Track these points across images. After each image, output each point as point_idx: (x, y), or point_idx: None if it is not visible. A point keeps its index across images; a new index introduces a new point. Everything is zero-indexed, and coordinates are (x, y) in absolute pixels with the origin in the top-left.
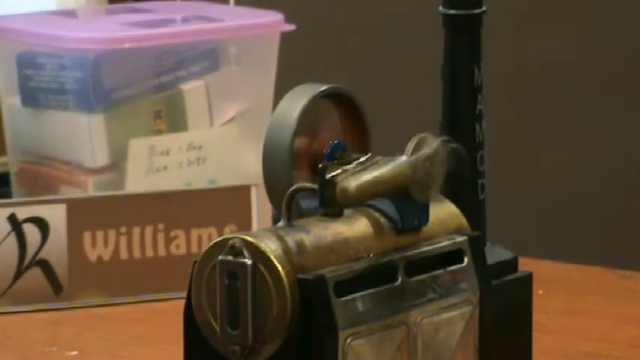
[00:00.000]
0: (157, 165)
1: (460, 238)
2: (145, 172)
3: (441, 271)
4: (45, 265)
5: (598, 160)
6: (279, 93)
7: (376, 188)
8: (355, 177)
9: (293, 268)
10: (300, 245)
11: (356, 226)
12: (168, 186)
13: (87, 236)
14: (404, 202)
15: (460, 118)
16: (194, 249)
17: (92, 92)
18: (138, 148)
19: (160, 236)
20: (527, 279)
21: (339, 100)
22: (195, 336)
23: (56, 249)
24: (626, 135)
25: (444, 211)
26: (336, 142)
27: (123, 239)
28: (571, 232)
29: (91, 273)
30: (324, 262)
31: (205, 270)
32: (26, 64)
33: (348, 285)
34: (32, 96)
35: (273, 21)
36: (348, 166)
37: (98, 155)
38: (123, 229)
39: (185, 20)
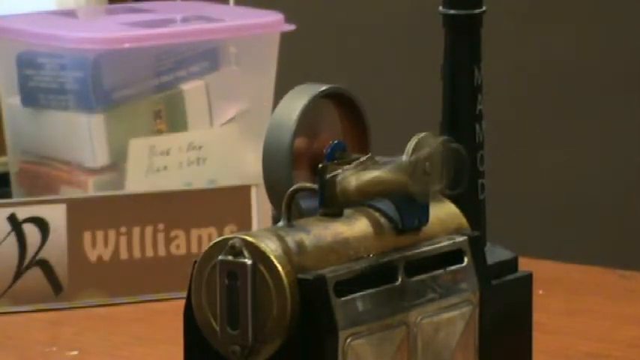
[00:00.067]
0: (157, 165)
1: (460, 238)
2: (145, 172)
3: (441, 271)
4: (45, 265)
5: (598, 160)
6: (279, 93)
7: (376, 188)
8: (355, 177)
9: (293, 268)
10: (300, 245)
11: (356, 226)
12: (168, 186)
13: (87, 236)
14: (404, 202)
15: (460, 118)
16: (194, 249)
17: (92, 92)
18: (138, 148)
19: (160, 236)
20: (527, 279)
21: (339, 100)
22: (195, 336)
23: (56, 249)
24: (626, 135)
25: (444, 211)
26: (336, 142)
27: (123, 239)
28: (571, 232)
29: (91, 273)
30: (324, 262)
31: (205, 270)
32: (26, 64)
33: (348, 285)
34: (32, 96)
35: (273, 21)
36: (348, 166)
37: (98, 155)
38: (123, 229)
39: (185, 20)
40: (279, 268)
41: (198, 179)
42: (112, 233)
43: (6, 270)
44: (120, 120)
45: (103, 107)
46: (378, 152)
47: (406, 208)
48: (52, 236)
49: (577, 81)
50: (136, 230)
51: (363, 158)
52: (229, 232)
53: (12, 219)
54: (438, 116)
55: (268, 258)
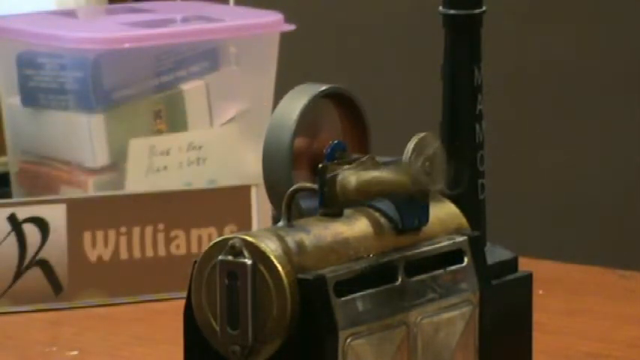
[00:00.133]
0: (157, 165)
1: (460, 238)
2: (145, 172)
3: (441, 271)
4: (45, 265)
5: (598, 160)
6: (279, 93)
7: (376, 188)
8: (355, 177)
9: (293, 268)
10: (300, 245)
11: (356, 226)
12: (168, 186)
13: (87, 236)
14: (404, 202)
15: (460, 118)
16: (194, 249)
17: (92, 92)
18: (138, 148)
19: (160, 236)
20: (527, 279)
21: (339, 100)
22: (195, 336)
23: (56, 249)
24: (626, 135)
25: (444, 211)
26: (336, 142)
27: (123, 239)
28: (571, 232)
29: (91, 273)
30: (324, 262)
31: (205, 270)
32: (26, 64)
33: (348, 285)
34: (32, 96)
35: (273, 21)
36: (348, 166)
37: (98, 155)
38: (123, 229)
39: (185, 20)
40: (279, 268)
41: (198, 179)
42: (112, 233)
43: (6, 270)
44: (120, 120)
45: (103, 107)
46: (378, 152)
47: (406, 208)
48: (52, 236)
49: (577, 81)
50: (136, 230)
51: (363, 158)
52: (229, 232)
53: (12, 219)
54: (438, 116)
55: (268, 258)
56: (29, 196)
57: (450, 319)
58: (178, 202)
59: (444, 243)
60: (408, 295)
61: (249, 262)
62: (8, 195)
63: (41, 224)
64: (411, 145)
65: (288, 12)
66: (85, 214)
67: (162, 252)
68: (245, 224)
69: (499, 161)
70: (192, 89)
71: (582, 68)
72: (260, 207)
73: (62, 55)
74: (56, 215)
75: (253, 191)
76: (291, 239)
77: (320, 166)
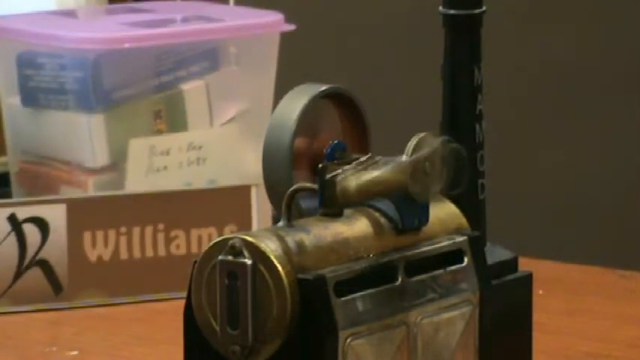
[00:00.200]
0: (157, 165)
1: (460, 238)
2: (145, 172)
3: (441, 271)
4: (45, 265)
5: (598, 160)
6: (279, 93)
7: (376, 188)
8: (355, 177)
9: (293, 268)
10: (300, 245)
11: (356, 226)
12: (168, 186)
13: (87, 236)
14: (404, 202)
15: (460, 118)
16: (194, 249)
17: (92, 92)
18: (138, 148)
19: (160, 236)
20: (527, 279)
21: (339, 100)
22: (195, 336)
23: (56, 249)
24: (626, 135)
25: (444, 211)
26: (336, 142)
27: (123, 239)
28: (571, 232)
29: (91, 273)
30: (324, 262)
31: (205, 270)
32: (26, 64)
33: (348, 285)
34: (32, 96)
35: (273, 21)
36: (348, 166)
37: (98, 155)
38: (123, 229)
39: (185, 20)
40: (279, 268)
41: (198, 179)
42: (112, 233)
43: (6, 270)
44: (120, 120)
45: (103, 107)
46: (378, 152)
47: (406, 208)
48: (52, 236)
49: (577, 81)
50: (136, 230)
51: (363, 158)
52: (229, 232)
53: (12, 219)
54: (438, 116)
55: (268, 258)
56: (29, 196)
57: (450, 319)
58: (178, 202)
59: (444, 243)
60: (408, 295)
61: (249, 262)
62: (8, 195)
63: (41, 224)
64: (411, 145)
65: (288, 12)
66: (85, 214)
67: (162, 252)
68: (245, 224)
69: (499, 161)
70: (192, 89)
71: (582, 68)
72: (260, 207)
73: (62, 55)
74: (56, 215)
75: (253, 191)
76: (291, 239)
77: (320, 166)
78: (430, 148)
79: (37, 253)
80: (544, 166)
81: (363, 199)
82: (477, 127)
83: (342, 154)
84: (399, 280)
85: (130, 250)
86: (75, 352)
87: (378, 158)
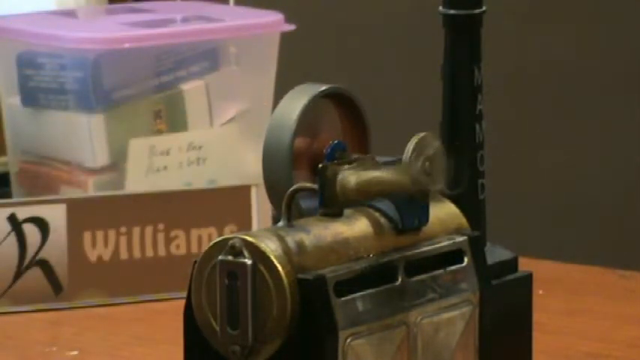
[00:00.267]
0: (157, 165)
1: (460, 238)
2: (145, 172)
3: (441, 271)
4: (45, 265)
5: (598, 160)
6: (279, 93)
7: (376, 188)
8: (355, 177)
9: (293, 268)
10: (300, 245)
11: (356, 226)
12: (168, 186)
13: (87, 236)
14: (404, 202)
15: (460, 118)
16: (194, 249)
17: (92, 92)
18: (138, 148)
19: (160, 236)
20: (527, 279)
21: (339, 100)
22: (195, 336)
23: (56, 249)
24: (626, 135)
25: (444, 211)
26: (336, 142)
27: (123, 239)
28: (571, 232)
29: (91, 273)
30: (324, 262)
31: (205, 270)
32: (26, 64)
33: (348, 285)
34: (32, 96)
35: (273, 21)
36: (348, 166)
37: (98, 155)
38: (123, 229)
39: (185, 20)
40: (279, 268)
41: (198, 179)
42: (112, 233)
43: (6, 270)
44: (120, 120)
45: (103, 107)
46: (378, 152)
47: (406, 208)
48: (52, 236)
49: (577, 81)
50: (136, 230)
51: (363, 158)
52: (229, 232)
53: (12, 219)
54: (438, 116)
55: (268, 258)
56: (29, 196)
57: (450, 319)
58: (178, 202)
59: (444, 243)
60: (408, 295)
61: (249, 262)
62: (8, 195)
63: (41, 224)
64: (411, 145)
65: (288, 12)
66: (85, 214)
67: (162, 252)
68: (245, 224)
69: (499, 161)
70: (192, 89)
71: (582, 68)
72: (260, 207)
73: (62, 55)
74: (56, 215)
75: (253, 191)
76: (291, 239)
77: (320, 166)
78: (430, 148)
79: (37, 253)
80: (544, 166)
81: (363, 199)
82: (477, 127)
83: (342, 154)
84: (399, 280)
85: (130, 250)
86: (75, 352)
87: (378, 158)
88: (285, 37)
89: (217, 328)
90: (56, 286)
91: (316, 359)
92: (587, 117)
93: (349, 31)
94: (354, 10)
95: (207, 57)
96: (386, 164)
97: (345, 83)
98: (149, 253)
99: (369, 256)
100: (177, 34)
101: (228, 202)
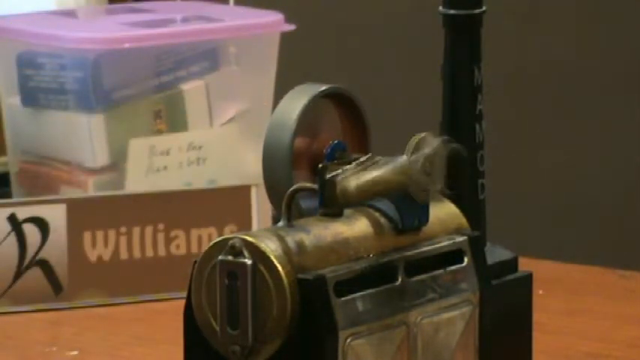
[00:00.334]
0: (157, 165)
1: (460, 238)
2: (145, 172)
3: (441, 271)
4: (45, 265)
5: (598, 160)
6: (279, 93)
7: (376, 188)
8: (355, 177)
9: (293, 268)
10: (300, 245)
11: (356, 226)
12: (168, 186)
13: (87, 236)
14: (404, 202)
15: (460, 118)
16: (194, 249)
17: (92, 92)
18: (138, 148)
19: (160, 236)
20: (527, 279)
21: (339, 100)
22: (195, 336)
23: (56, 249)
24: (626, 135)
25: (444, 211)
26: (336, 142)
27: (123, 239)
28: (571, 232)
29: (91, 273)
30: (324, 262)
31: (205, 270)
32: (26, 64)
33: (348, 285)
34: (32, 96)
35: (273, 21)
36: (348, 166)
37: (98, 155)
38: (123, 229)
39: (185, 20)
40: (279, 268)
41: (198, 179)
42: (112, 233)
43: (6, 270)
44: (120, 120)
45: (103, 107)
46: (378, 152)
47: (406, 208)
48: (52, 236)
49: (577, 81)
50: (136, 230)
51: (363, 158)
52: (229, 232)
53: (12, 219)
54: (438, 116)
55: (268, 258)
56: (29, 196)
57: (450, 319)
58: (178, 202)
59: (444, 243)
60: (408, 295)
61: (249, 262)
62: (8, 195)
63: (41, 224)
64: (411, 145)
65: (288, 12)
66: (85, 214)
67: (162, 252)
68: (245, 224)
69: (499, 161)
70: (192, 89)
71: (582, 68)
72: (260, 207)
73: (62, 55)
74: (56, 215)
75: (253, 191)
76: (291, 239)
77: (320, 166)
78: (430, 148)
79: (37, 253)
80: (544, 166)
81: (363, 199)
82: (477, 127)
83: (342, 154)
84: (399, 280)
85: (130, 250)
86: (75, 352)
87: (378, 158)
88: (285, 37)
89: (217, 328)
90: (56, 286)
91: (316, 359)
92: (587, 117)
93: (349, 31)
94: (354, 10)
95: (207, 57)
96: (386, 164)
97: (345, 83)
98: (149, 253)
99: (369, 256)
100: (177, 34)
101: (228, 202)
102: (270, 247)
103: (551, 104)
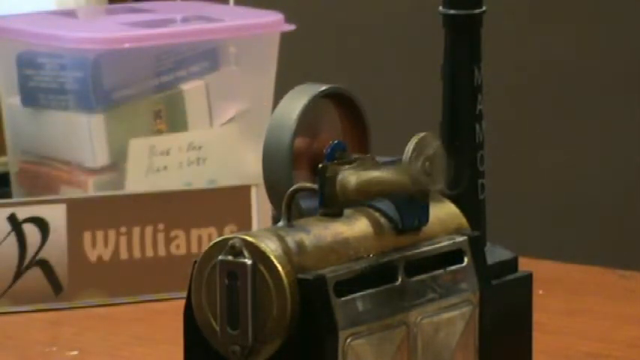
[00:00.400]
0: (157, 165)
1: (460, 238)
2: (145, 172)
3: (441, 271)
4: (45, 265)
5: (598, 160)
6: (279, 93)
7: (376, 188)
8: (355, 177)
9: (293, 268)
10: (300, 245)
11: (356, 226)
12: (168, 186)
13: (87, 236)
14: (404, 202)
15: (460, 118)
16: (194, 249)
17: (92, 92)
18: (138, 148)
19: (160, 236)
20: (527, 279)
21: (339, 100)
22: (195, 336)
23: (56, 249)
24: (626, 135)
25: (444, 211)
26: (336, 142)
27: (123, 239)
28: (571, 232)
29: (91, 273)
30: (324, 262)
31: (205, 270)
32: (26, 64)
33: (348, 285)
34: (32, 96)
35: (273, 21)
36: (348, 166)
37: (98, 155)
38: (123, 229)
39: (185, 20)
40: (279, 268)
41: (198, 179)
42: (112, 233)
43: (6, 270)
44: (120, 120)
45: (103, 107)
46: (378, 152)
47: (406, 208)
48: (52, 236)
49: (577, 81)
50: (136, 230)
51: (363, 158)
52: (229, 232)
53: (12, 219)
54: (438, 116)
55: (268, 258)
56: (29, 196)
57: (450, 319)
58: (178, 202)
59: (444, 243)
60: (408, 295)
61: (249, 262)
62: (8, 195)
63: (41, 224)
64: (411, 145)
65: (288, 12)
66: (85, 214)
67: (162, 252)
68: (245, 224)
69: (499, 161)
70: (192, 89)
71: (582, 68)
72: (260, 207)
73: (62, 55)
74: (56, 215)
75: (253, 191)
76: (291, 239)
77: (320, 166)
78: (430, 148)
79: (37, 253)
80: (544, 166)
81: (363, 199)
82: (477, 127)
83: (342, 154)
84: (399, 280)
85: (130, 250)
86: (75, 352)
87: (378, 158)
88: (285, 37)
89: (217, 328)
90: (56, 286)
91: (316, 359)
92: (587, 117)
93: (349, 31)
94: (354, 10)
95: (207, 57)
96: (386, 164)
97: (345, 83)
98: (149, 253)
99: (369, 256)
100: (177, 34)
101: (228, 202)
102: (270, 247)
103: (551, 104)
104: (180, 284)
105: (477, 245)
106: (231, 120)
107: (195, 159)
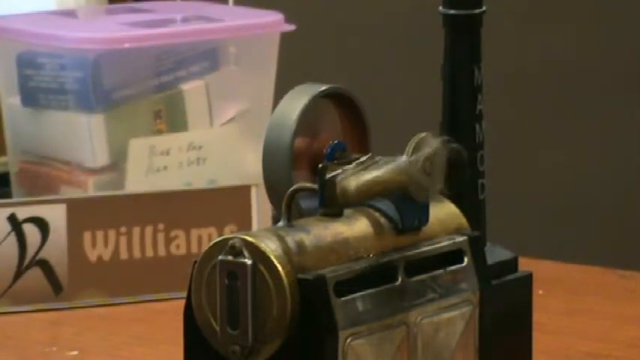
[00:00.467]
0: (157, 165)
1: (460, 238)
2: (145, 172)
3: (441, 271)
4: (45, 265)
5: (598, 160)
6: (279, 93)
7: (376, 188)
8: (355, 177)
9: (293, 268)
10: (300, 245)
11: (356, 226)
12: (168, 186)
13: (87, 236)
14: (404, 202)
15: (460, 118)
16: (194, 249)
17: (92, 92)
18: (138, 148)
19: (160, 236)
20: (527, 279)
21: (339, 100)
22: (195, 336)
23: (56, 249)
24: (626, 135)
25: (444, 211)
26: (336, 142)
27: (123, 239)
28: (571, 232)
29: (91, 273)
30: (324, 262)
31: (205, 270)
32: (26, 64)
33: (348, 285)
34: (32, 96)
35: (273, 21)
36: (348, 166)
37: (98, 155)
38: (123, 229)
39: (185, 20)
40: (279, 268)
41: (198, 179)
42: (112, 233)
43: (6, 270)
44: (120, 120)
45: (103, 107)
46: (378, 152)
47: (406, 208)
48: (52, 236)
49: (577, 81)
50: (136, 230)
51: (363, 158)
52: (229, 232)
53: (12, 219)
54: (438, 116)
55: (268, 258)
56: (29, 196)
57: (450, 319)
58: (178, 202)
59: (444, 243)
60: (408, 295)
61: (249, 262)
62: (8, 195)
63: (41, 224)
64: (411, 145)
65: (288, 12)
66: (85, 214)
67: (162, 252)
68: (245, 224)
69: (499, 161)
70: (192, 89)
71: (582, 68)
72: (260, 207)
73: (62, 55)
74: (56, 215)
75: (253, 191)
76: (291, 239)
77: (320, 166)
78: (430, 148)
79: (37, 253)
80: (544, 166)
81: (363, 199)
82: (477, 127)
83: (342, 154)
84: (399, 280)
85: (130, 250)
86: (75, 352)
87: (378, 158)
88: (285, 37)
89: (217, 328)
90: (56, 286)
91: (316, 359)
92: (587, 117)
93: (349, 31)
94: (354, 10)
95: (207, 57)
96: (386, 164)
97: (345, 83)
98: (149, 253)
99: (369, 256)
100: (177, 34)
101: (228, 202)
102: (270, 247)
103: (551, 104)
104: (180, 284)
105: (477, 245)
106: (231, 120)
107: (195, 159)
